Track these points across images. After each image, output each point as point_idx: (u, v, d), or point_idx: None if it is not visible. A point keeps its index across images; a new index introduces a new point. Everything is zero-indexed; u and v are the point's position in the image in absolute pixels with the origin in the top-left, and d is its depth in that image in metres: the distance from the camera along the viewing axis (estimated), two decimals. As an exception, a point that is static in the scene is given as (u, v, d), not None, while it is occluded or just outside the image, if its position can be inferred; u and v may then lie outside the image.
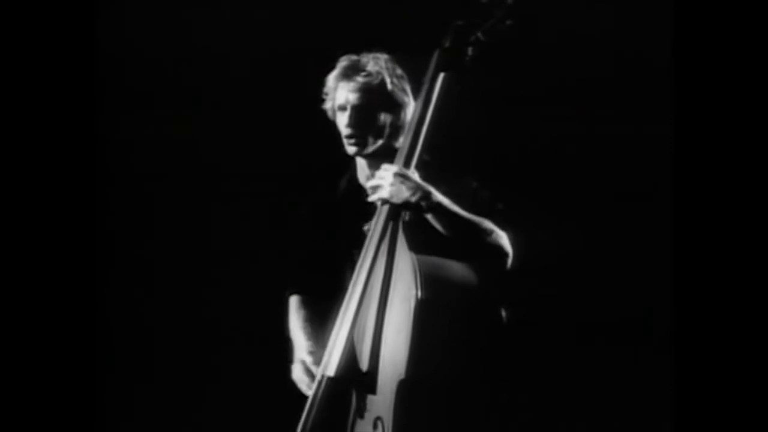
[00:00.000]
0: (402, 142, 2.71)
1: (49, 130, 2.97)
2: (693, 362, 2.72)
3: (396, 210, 2.63)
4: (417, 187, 2.62)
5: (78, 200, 3.00)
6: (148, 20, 3.70)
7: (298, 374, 2.77)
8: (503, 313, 2.63)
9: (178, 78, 3.74)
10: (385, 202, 2.63)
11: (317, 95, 2.85)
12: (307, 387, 2.71)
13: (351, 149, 2.79)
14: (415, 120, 2.68)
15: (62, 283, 2.94)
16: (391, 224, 2.62)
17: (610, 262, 3.62)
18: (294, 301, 2.94)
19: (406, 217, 2.64)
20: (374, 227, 2.64)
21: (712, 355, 2.70)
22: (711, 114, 2.76)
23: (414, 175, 2.64)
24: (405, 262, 2.57)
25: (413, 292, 2.52)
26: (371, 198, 2.66)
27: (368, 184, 2.68)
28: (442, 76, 2.67)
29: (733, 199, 2.71)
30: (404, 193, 2.61)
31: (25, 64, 2.94)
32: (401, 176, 2.62)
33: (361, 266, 2.63)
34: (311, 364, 2.73)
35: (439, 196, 2.63)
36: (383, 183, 2.62)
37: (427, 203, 2.61)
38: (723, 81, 2.75)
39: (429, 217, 2.63)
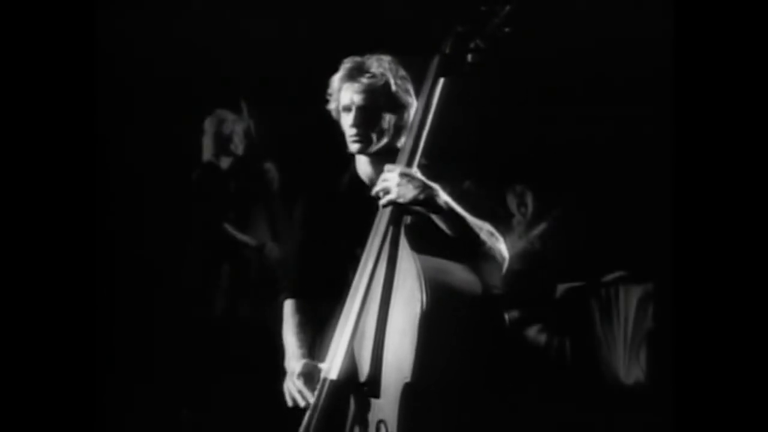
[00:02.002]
0: (404, 143, 2.71)
1: (49, 130, 2.95)
2: (694, 362, 2.72)
3: (400, 211, 2.63)
4: (424, 186, 2.62)
5: (78, 200, 2.98)
6: (149, 21, 3.70)
7: (286, 383, 2.74)
8: (506, 316, 2.63)
9: (178, 79, 3.75)
10: (393, 203, 2.63)
11: (319, 96, 2.86)
12: (289, 398, 2.69)
13: (355, 147, 2.79)
14: (416, 124, 2.69)
15: (62, 283, 2.93)
16: (393, 227, 2.62)
17: (610, 262, 3.63)
18: (288, 306, 2.90)
19: (408, 221, 2.65)
20: (376, 229, 2.64)
21: (713, 355, 2.70)
22: (711, 114, 2.76)
23: (418, 174, 2.64)
24: (408, 263, 2.57)
25: (418, 296, 2.51)
26: (382, 202, 2.64)
27: (375, 190, 2.67)
28: (442, 81, 2.69)
29: (735, 200, 2.71)
30: (411, 192, 2.61)
31: (25, 64, 2.92)
32: (407, 176, 2.62)
33: (363, 268, 2.62)
34: (298, 375, 2.69)
35: (444, 195, 2.63)
36: (390, 185, 2.63)
37: (433, 201, 2.62)
38: (724, 81, 2.75)
39: (434, 216, 2.63)
